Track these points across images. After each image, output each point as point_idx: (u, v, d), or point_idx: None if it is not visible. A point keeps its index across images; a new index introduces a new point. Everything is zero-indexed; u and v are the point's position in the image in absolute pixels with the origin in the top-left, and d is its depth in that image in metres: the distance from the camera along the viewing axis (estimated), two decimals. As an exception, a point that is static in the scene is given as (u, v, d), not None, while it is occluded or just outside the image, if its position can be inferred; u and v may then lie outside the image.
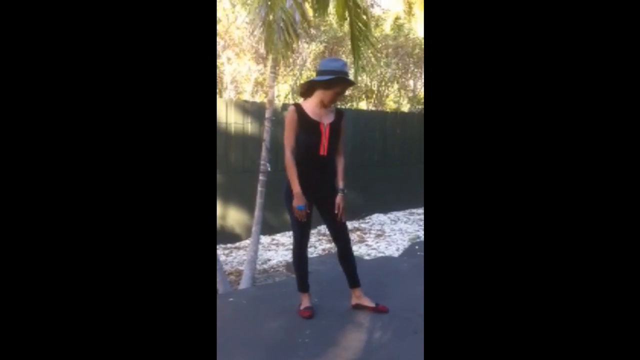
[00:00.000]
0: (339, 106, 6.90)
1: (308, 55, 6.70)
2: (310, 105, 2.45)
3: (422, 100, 7.83)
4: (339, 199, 2.49)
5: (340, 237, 2.59)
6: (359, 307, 2.64)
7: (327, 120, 2.45)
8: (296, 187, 2.39)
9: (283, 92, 6.74)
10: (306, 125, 2.41)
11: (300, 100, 2.54)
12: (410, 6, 8.21)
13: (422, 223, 6.12)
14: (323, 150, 2.43)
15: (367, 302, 2.63)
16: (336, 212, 2.48)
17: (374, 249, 4.92)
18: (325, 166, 2.50)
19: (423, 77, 7.10)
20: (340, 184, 2.53)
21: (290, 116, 2.42)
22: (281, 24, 3.17)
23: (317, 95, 2.42)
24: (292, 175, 2.40)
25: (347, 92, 7.62)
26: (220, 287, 3.29)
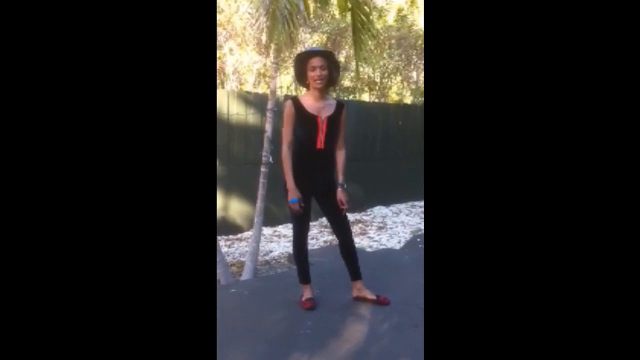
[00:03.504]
0: (340, 98, 6.89)
1: (311, 46, 6.66)
2: (308, 99, 2.43)
3: (424, 93, 7.77)
4: (339, 193, 2.47)
5: (341, 229, 2.58)
6: (360, 300, 2.64)
7: (325, 113, 2.43)
8: (289, 182, 2.39)
9: (285, 83, 6.71)
10: (303, 119, 2.40)
11: (300, 94, 2.52)
12: (413, -3, 8.13)
13: (423, 216, 6.11)
14: (320, 144, 2.42)
15: (368, 295, 2.63)
16: (341, 207, 2.47)
17: (376, 241, 4.92)
18: (323, 160, 2.48)
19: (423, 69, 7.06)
20: (340, 178, 2.51)
21: (287, 110, 2.41)
22: (285, 14, 3.14)
23: (310, 85, 2.41)
24: (287, 170, 2.39)
25: (350, 84, 7.60)
26: (222, 279, 3.29)
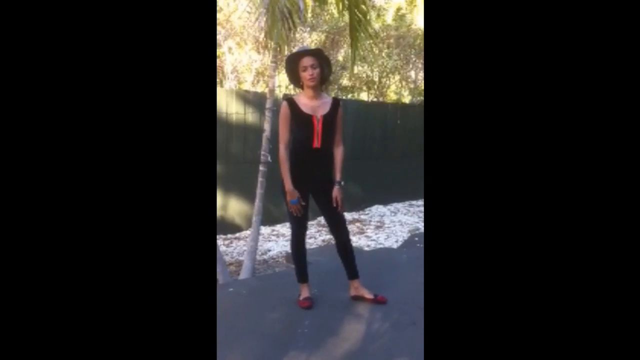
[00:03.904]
0: (339, 97, 6.89)
1: (309, 44, 6.65)
2: (303, 98, 2.44)
3: (423, 92, 7.77)
4: (335, 191, 2.47)
5: (338, 228, 2.59)
6: (357, 299, 2.65)
7: (321, 112, 2.43)
8: (288, 184, 2.39)
9: (284, 82, 6.71)
10: (299, 119, 2.40)
11: (296, 93, 2.52)
12: (412, -4, 8.13)
13: (421, 215, 6.13)
14: (316, 143, 2.42)
15: (366, 294, 2.63)
16: (334, 205, 2.48)
17: (374, 240, 4.93)
18: (320, 158, 2.48)
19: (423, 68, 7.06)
20: (338, 176, 2.50)
21: (283, 111, 2.41)
22: (285, 12, 3.14)
23: (304, 84, 2.41)
24: (285, 171, 2.40)
25: (348, 83, 7.59)
26: (220, 278, 3.29)
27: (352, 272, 2.64)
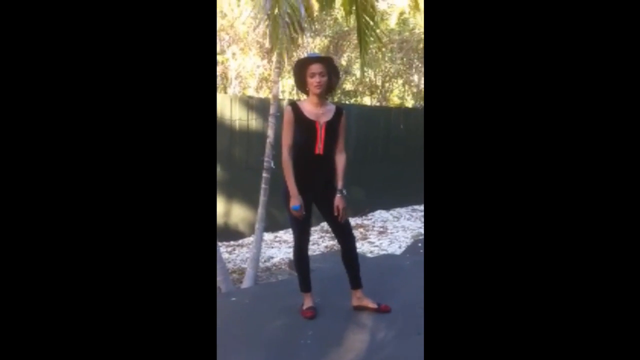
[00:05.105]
0: (342, 102, 6.88)
1: (313, 49, 6.66)
2: (307, 104, 2.43)
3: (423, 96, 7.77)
4: (338, 200, 2.45)
5: (343, 236, 2.56)
6: (360, 309, 2.61)
7: (324, 118, 2.43)
8: (292, 188, 2.37)
9: (288, 87, 6.71)
10: (302, 124, 2.39)
11: (301, 99, 2.51)
12: (415, 0, 8.11)
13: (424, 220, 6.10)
14: (319, 149, 2.41)
15: (369, 303, 2.60)
16: (335, 214, 2.46)
17: (377, 246, 4.90)
18: (322, 165, 2.47)
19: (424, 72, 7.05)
20: (339, 184, 2.49)
21: (287, 115, 2.41)
22: (286, 18, 3.14)
23: (310, 91, 2.41)
24: (289, 176, 2.38)
25: (351, 87, 7.60)
26: (223, 286, 3.28)
27: (356, 282, 2.61)
